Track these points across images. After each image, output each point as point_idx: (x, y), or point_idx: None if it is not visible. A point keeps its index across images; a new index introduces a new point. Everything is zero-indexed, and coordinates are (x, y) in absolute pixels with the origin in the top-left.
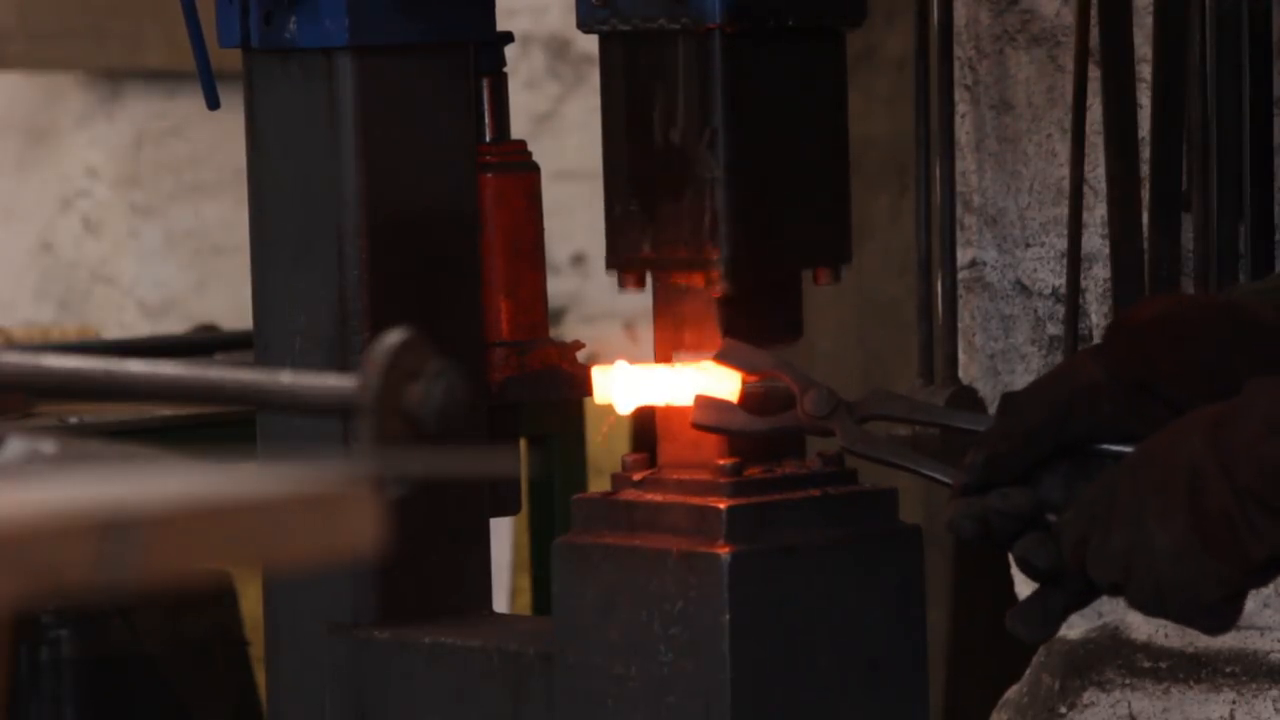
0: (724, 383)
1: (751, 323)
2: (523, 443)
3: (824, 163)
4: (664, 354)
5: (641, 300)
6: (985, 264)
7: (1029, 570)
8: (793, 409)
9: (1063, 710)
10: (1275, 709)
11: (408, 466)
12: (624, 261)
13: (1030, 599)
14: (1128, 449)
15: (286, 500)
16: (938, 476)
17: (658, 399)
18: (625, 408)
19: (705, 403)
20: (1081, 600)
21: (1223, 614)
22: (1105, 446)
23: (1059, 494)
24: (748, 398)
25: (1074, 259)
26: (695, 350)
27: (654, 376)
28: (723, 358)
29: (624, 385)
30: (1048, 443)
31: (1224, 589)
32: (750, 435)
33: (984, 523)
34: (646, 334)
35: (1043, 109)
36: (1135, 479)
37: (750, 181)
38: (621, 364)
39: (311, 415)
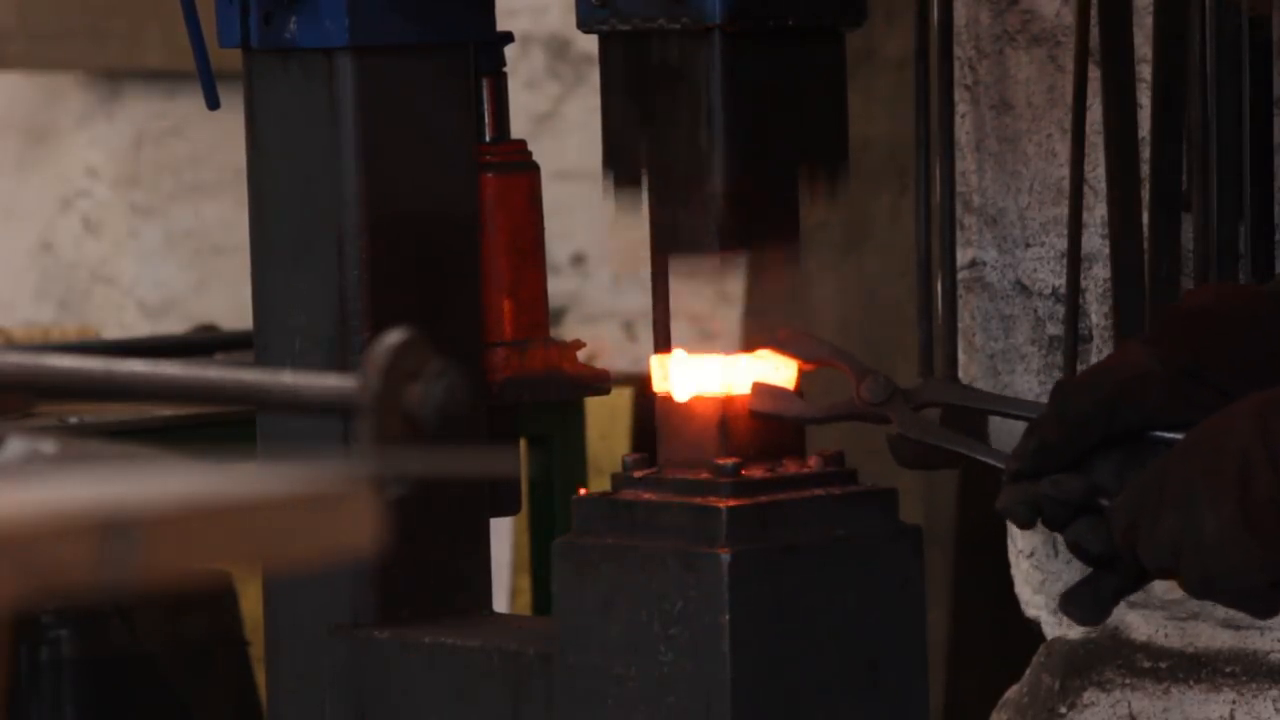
0: (781, 371)
1: (748, 229)
2: (523, 443)
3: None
4: (660, 264)
5: (641, 300)
6: (985, 264)
7: (1081, 554)
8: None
9: (1063, 710)
10: (1275, 709)
11: (408, 466)
12: (621, 168)
13: (1082, 583)
14: (1180, 436)
15: (286, 500)
16: (991, 461)
17: (717, 388)
18: (683, 396)
19: (762, 389)
20: (1134, 584)
21: (1270, 600)
22: (1159, 434)
23: (1112, 480)
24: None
25: (1074, 259)
26: (692, 255)
27: (713, 366)
28: (781, 346)
29: (682, 374)
30: (1097, 430)
31: (1270, 575)
32: (807, 422)
33: (1036, 509)
34: (646, 334)
35: (1043, 109)
36: (1185, 465)
37: (747, 91)
38: (680, 353)
39: (311, 415)
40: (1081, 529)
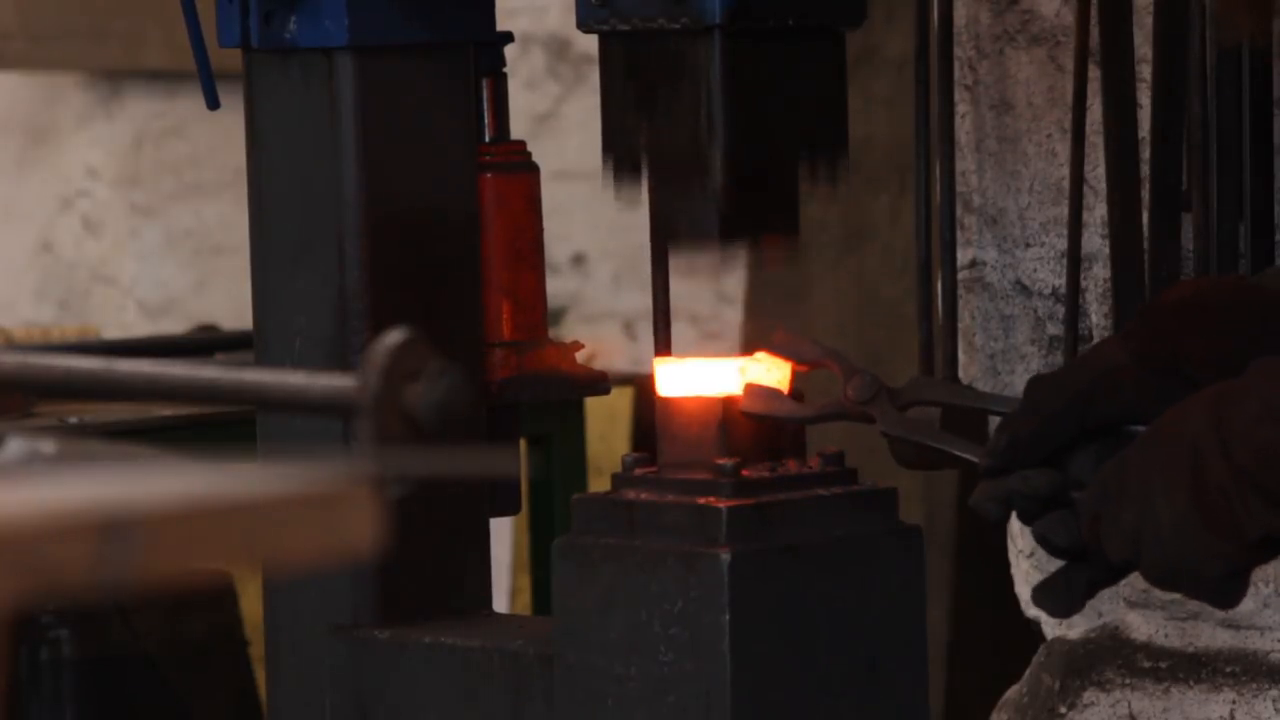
0: (773, 373)
1: (749, 218)
2: (523, 443)
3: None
4: (659, 254)
5: (641, 300)
6: (985, 264)
7: (1049, 548)
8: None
9: (1063, 710)
10: (1275, 709)
11: (408, 466)
12: (620, 153)
13: (1054, 575)
14: None
15: (286, 500)
16: (970, 457)
17: (710, 390)
18: (686, 394)
19: (755, 390)
20: (1105, 576)
21: (1226, 590)
22: (1135, 428)
23: (1089, 474)
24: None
25: (1074, 259)
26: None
27: (708, 369)
28: (774, 348)
29: (675, 377)
30: (1070, 426)
31: (1225, 565)
32: (797, 422)
33: (1007, 504)
34: (646, 334)
35: (1043, 109)
36: (1143, 456)
37: (747, 82)
38: (669, 360)
39: (311, 415)
40: (1049, 523)
